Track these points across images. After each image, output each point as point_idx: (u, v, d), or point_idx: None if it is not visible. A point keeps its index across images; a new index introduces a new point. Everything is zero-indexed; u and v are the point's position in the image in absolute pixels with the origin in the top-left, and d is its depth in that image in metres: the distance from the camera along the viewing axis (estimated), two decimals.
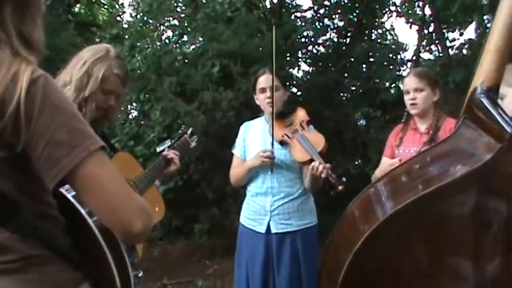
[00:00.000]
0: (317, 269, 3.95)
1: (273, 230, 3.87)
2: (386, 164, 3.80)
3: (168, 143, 3.60)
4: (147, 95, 7.52)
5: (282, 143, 3.84)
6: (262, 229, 3.90)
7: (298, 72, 9.13)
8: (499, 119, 1.39)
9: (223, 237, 6.76)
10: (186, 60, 7.44)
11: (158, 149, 3.56)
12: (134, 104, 7.94)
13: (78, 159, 1.51)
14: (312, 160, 3.64)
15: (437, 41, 10.83)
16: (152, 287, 6.32)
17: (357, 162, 8.50)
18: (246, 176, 3.97)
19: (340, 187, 3.49)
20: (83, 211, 1.76)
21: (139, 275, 1.86)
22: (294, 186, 3.90)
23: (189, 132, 3.77)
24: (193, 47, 7.75)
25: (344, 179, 3.55)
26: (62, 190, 1.75)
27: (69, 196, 1.77)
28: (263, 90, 3.93)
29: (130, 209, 1.57)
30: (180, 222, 7.83)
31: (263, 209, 3.91)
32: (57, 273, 1.64)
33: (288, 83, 8.23)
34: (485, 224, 1.42)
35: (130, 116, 8.00)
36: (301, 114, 4.02)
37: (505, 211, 1.42)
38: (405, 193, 1.46)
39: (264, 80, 3.93)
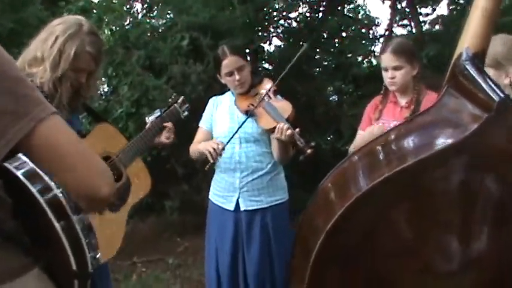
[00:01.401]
0: (288, 246, 3.94)
1: (242, 208, 3.80)
2: (362, 136, 3.70)
3: (157, 112, 3.43)
4: (114, 70, 7.33)
5: (248, 112, 3.71)
6: (231, 206, 3.82)
7: (269, 47, 9.00)
8: (485, 87, 1.28)
9: (194, 214, 6.67)
10: (155, 34, 7.26)
11: (147, 119, 3.41)
12: (103, 79, 7.76)
13: (28, 128, 1.36)
14: None
15: (410, 16, 10.74)
16: (121, 265, 6.18)
17: (329, 138, 8.41)
18: (199, 157, 3.85)
19: (309, 151, 3.40)
20: (32, 189, 1.61)
21: (97, 256, 1.72)
22: (263, 161, 3.81)
23: (179, 100, 3.58)
24: (162, 21, 7.57)
25: (313, 144, 3.46)
26: (8, 166, 1.60)
27: (17, 173, 1.61)
28: (230, 74, 3.80)
29: (95, 172, 1.47)
30: (151, 200, 7.69)
31: (231, 186, 3.82)
32: (1, 260, 1.48)
33: (259, 58, 8.16)
34: (472, 200, 1.32)
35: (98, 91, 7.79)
36: (267, 84, 3.89)
37: (493, 186, 1.32)
38: (382, 168, 1.36)
39: (228, 64, 3.79)
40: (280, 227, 3.83)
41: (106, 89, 7.93)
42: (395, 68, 3.56)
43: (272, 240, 3.79)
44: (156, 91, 6.33)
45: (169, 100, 3.68)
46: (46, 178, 1.65)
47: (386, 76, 3.62)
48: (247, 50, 7.43)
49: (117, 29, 7.14)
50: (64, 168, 1.43)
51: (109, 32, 7.32)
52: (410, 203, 1.34)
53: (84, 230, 1.67)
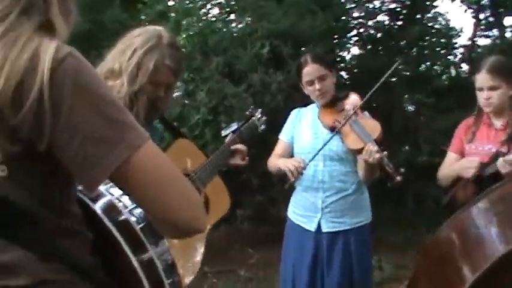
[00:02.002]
0: (370, 271, 3.78)
1: (324, 229, 3.64)
2: (454, 160, 3.52)
3: (234, 126, 3.26)
4: (191, 75, 7.28)
5: (333, 129, 3.53)
6: (312, 227, 3.66)
7: (347, 55, 8.82)
8: None
9: (269, 225, 6.56)
10: (234, 40, 7.18)
11: (223, 133, 3.26)
12: (178, 84, 7.71)
13: (123, 156, 1.24)
14: None
15: (494, 26, 10.39)
16: None
17: (404, 149, 8.18)
18: (277, 172, 3.72)
19: (398, 178, 3.23)
20: (109, 224, 1.47)
21: None
22: (347, 181, 3.64)
23: (257, 114, 3.40)
24: (241, 25, 7.47)
25: (402, 170, 3.28)
26: (85, 198, 1.49)
27: (93, 206, 1.49)
28: (311, 83, 3.64)
29: (191, 201, 1.34)
30: None
31: (313, 206, 3.66)
32: None
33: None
34: None
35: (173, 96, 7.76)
36: (354, 99, 3.70)
37: None
38: None
39: (309, 72, 3.63)
40: (363, 250, 3.68)
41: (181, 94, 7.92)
42: (491, 88, 3.36)
43: (354, 264, 3.63)
44: (234, 99, 6.25)
45: (247, 112, 3.51)
46: (125, 211, 1.53)
47: (481, 96, 3.41)
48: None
49: (195, 33, 7.06)
50: (157, 198, 1.30)
51: (186, 37, 7.27)
52: None
53: (167, 269, 1.53)
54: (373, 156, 3.27)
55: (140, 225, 1.50)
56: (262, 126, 3.44)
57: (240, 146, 3.14)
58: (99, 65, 2.68)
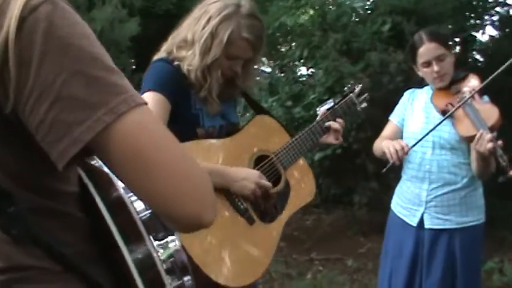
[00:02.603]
0: (477, 282, 3.36)
1: (427, 225, 3.31)
2: None
3: (330, 103, 2.98)
4: (310, 52, 7.00)
5: (445, 113, 3.17)
6: (413, 221, 3.35)
7: (482, 36, 8.16)
8: None
9: (384, 214, 6.22)
10: (355, 17, 6.85)
11: (318, 110, 2.99)
12: (296, 62, 7.50)
13: (101, 124, 0.98)
14: None
15: None
16: (298, 260, 5.92)
17: None
18: (381, 155, 3.42)
19: (511, 172, 2.87)
20: (102, 208, 1.18)
21: None
22: (457, 174, 3.26)
23: (356, 90, 3.07)
24: (363, 3, 7.12)
25: None
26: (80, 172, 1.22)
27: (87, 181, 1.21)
28: (427, 64, 3.26)
29: (198, 193, 1.06)
30: (339, 192, 7.33)
31: (417, 198, 3.33)
32: None
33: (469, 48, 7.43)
34: None
35: (291, 75, 7.53)
36: (472, 81, 3.30)
37: None
38: None
39: (426, 52, 3.24)
40: (470, 254, 3.29)
41: (303, 72, 7.70)
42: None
43: (458, 271, 3.26)
44: (350, 79, 5.88)
45: (345, 88, 3.19)
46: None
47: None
48: (456, 39, 6.79)
49: (317, 8, 6.78)
50: (152, 182, 1.02)
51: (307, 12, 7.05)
52: None
53: (175, 269, 1.25)
54: (484, 146, 2.92)
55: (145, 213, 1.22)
56: (363, 105, 3.11)
57: (334, 124, 2.83)
58: (174, 34, 2.53)
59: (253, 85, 2.90)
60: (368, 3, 7.22)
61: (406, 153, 3.17)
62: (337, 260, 5.99)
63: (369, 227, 6.63)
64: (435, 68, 3.22)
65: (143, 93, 2.34)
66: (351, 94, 3.03)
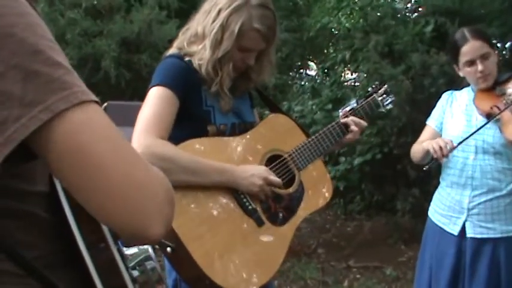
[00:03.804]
0: None
1: (469, 234, 3.16)
2: None
3: (352, 103, 2.89)
4: (353, 55, 6.93)
5: (489, 116, 3.05)
6: (454, 230, 3.20)
7: None
8: None
9: (424, 222, 6.09)
10: (397, 17, 6.75)
11: (340, 111, 2.90)
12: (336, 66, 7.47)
13: (37, 123, 0.90)
14: None
15: None
16: (335, 267, 5.84)
17: None
18: (422, 158, 3.28)
19: None
20: (66, 206, 1.09)
21: None
22: (502, 180, 3.12)
23: (380, 91, 2.98)
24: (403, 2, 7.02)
25: None
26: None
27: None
28: (471, 63, 3.12)
29: (147, 204, 0.99)
30: (382, 198, 7.20)
31: (459, 205, 3.19)
32: None
33: None
34: None
35: (332, 78, 7.47)
36: None
37: None
38: None
39: (470, 51, 3.10)
40: None
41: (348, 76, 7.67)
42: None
43: (502, 282, 3.11)
44: (391, 82, 5.76)
45: (370, 89, 3.08)
46: None
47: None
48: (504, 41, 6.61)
49: (355, 10, 6.70)
50: (89, 186, 0.96)
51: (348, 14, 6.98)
52: None
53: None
54: None
55: None
56: (388, 106, 3.03)
57: (354, 127, 2.72)
58: (184, 28, 2.51)
59: (268, 79, 2.81)
60: (409, 5, 7.15)
61: (451, 151, 3.02)
62: (375, 268, 5.88)
63: (411, 235, 6.48)
64: (479, 67, 3.08)
65: (150, 88, 2.32)
66: (374, 95, 2.96)
